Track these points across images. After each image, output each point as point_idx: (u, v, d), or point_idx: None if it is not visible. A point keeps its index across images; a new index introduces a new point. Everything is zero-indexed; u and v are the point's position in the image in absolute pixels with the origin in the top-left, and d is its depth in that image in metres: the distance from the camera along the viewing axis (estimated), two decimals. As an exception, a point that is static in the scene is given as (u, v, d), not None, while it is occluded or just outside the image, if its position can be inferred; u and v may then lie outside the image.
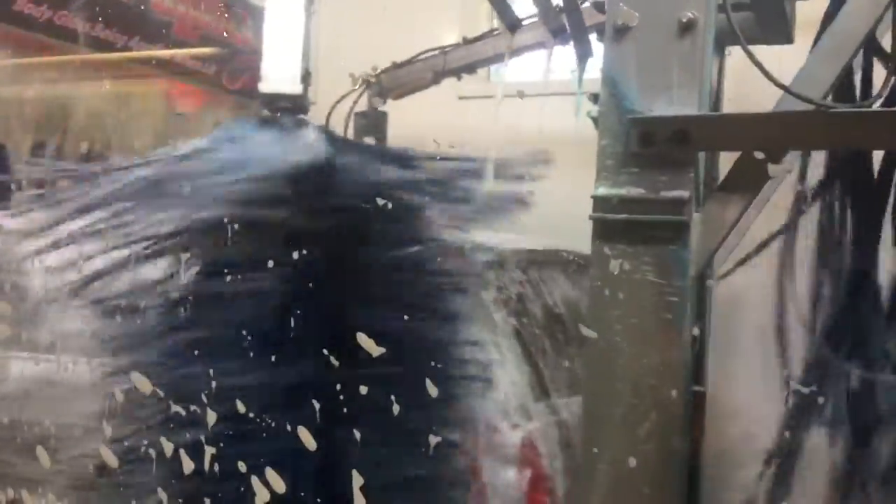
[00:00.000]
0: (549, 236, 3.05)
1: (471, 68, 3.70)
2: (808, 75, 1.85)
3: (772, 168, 1.69)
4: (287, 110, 2.28)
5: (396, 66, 3.69)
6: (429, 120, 4.55)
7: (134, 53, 3.66)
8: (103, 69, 3.61)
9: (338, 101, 3.65)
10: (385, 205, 2.01)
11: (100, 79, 3.63)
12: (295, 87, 2.35)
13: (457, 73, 3.69)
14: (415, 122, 4.39)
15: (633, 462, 1.75)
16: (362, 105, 3.77)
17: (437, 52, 3.63)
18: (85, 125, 3.58)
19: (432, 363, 2.07)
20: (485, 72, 4.88)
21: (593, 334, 1.80)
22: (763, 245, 2.54)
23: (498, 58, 3.68)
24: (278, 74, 2.30)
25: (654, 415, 1.77)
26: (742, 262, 2.55)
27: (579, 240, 2.20)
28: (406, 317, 2.06)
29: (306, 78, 2.39)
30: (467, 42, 3.61)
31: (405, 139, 4.10)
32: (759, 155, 1.70)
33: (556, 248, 3.16)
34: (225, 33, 4.18)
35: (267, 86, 2.31)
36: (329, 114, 3.56)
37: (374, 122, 3.73)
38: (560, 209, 2.56)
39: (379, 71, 3.69)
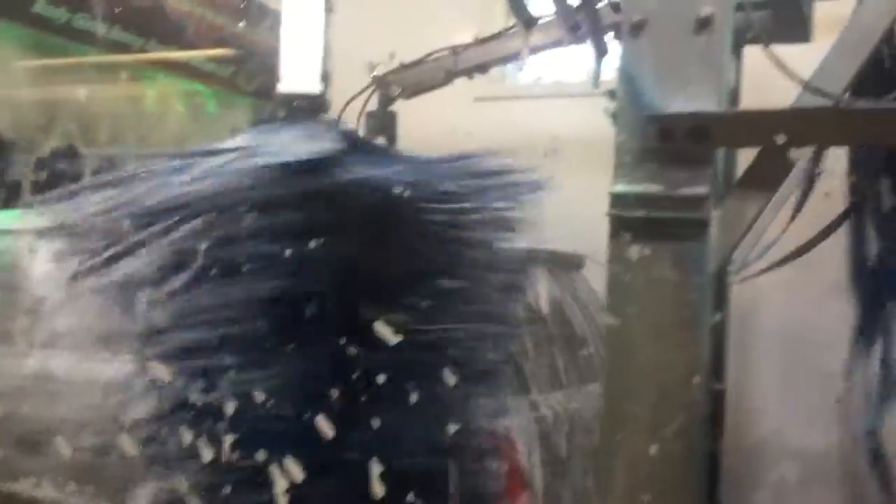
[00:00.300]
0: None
1: (483, 68, 3.68)
2: (827, 71, 1.83)
3: (794, 152, 1.66)
4: (306, 110, 2.32)
5: (406, 66, 3.68)
6: (444, 121, 4.58)
7: (151, 55, 3.69)
8: (120, 71, 3.64)
9: (349, 102, 3.65)
10: (401, 193, 2.01)
11: (117, 80, 3.65)
12: (314, 87, 2.38)
13: (469, 73, 3.67)
14: (429, 122, 4.43)
15: (653, 458, 1.73)
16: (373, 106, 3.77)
17: (448, 51, 3.62)
18: (102, 126, 3.62)
19: (450, 352, 2.08)
20: (500, 73, 4.88)
21: (616, 321, 1.78)
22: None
23: (511, 57, 3.67)
24: (297, 74, 2.34)
25: (674, 413, 1.76)
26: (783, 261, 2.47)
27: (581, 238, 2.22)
28: (424, 304, 2.07)
29: (325, 77, 2.41)
30: (479, 42, 3.59)
31: (419, 140, 4.13)
32: (781, 139, 1.67)
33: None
34: (240, 35, 4.20)
35: (286, 86, 2.35)
36: (340, 114, 3.57)
37: (383, 122, 3.72)
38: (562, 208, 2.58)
39: (396, 65, 3.66)
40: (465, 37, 3.62)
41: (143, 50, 3.68)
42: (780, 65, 1.75)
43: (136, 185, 2.12)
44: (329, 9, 2.40)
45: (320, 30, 2.37)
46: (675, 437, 1.75)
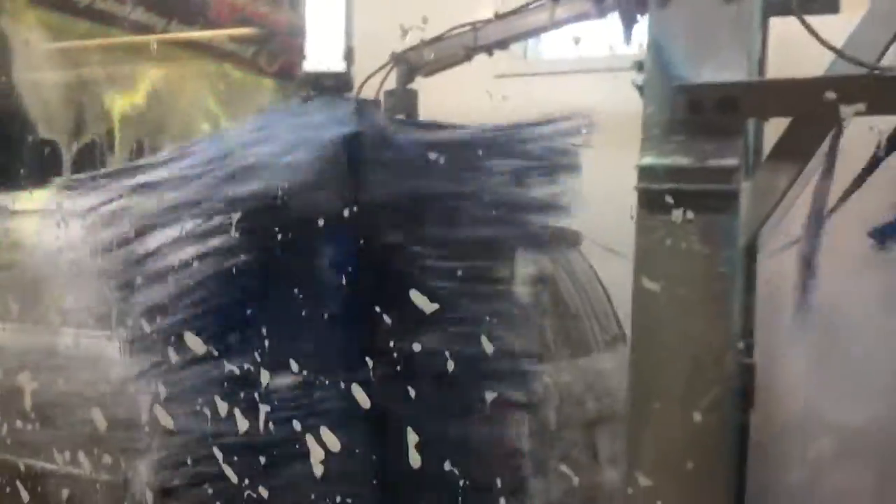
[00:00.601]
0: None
1: (503, 44, 3.61)
2: (860, 38, 1.80)
3: (843, 109, 1.62)
4: (332, 88, 2.35)
5: (426, 43, 3.64)
6: (464, 99, 4.55)
7: (172, 36, 3.69)
8: (143, 52, 3.65)
9: (367, 79, 3.62)
10: (437, 160, 2.03)
11: (140, 62, 3.66)
12: (338, 65, 2.38)
13: (489, 49, 3.62)
14: (450, 101, 4.40)
15: (684, 430, 1.73)
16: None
17: (468, 27, 3.57)
18: (127, 111, 3.64)
19: (487, 319, 2.08)
20: (521, 49, 4.83)
21: (656, 286, 1.76)
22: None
23: (532, 32, 3.62)
24: (321, 53, 2.37)
25: (705, 386, 1.75)
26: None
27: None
28: (460, 272, 2.07)
29: (349, 55, 2.42)
30: (500, 17, 3.54)
31: (439, 117, 4.10)
32: (831, 95, 1.64)
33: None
34: (262, 15, 4.19)
35: (311, 64, 2.39)
36: (358, 91, 3.54)
37: (403, 100, 3.68)
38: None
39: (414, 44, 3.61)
40: (486, 12, 3.58)
41: (165, 31, 3.68)
42: (813, 33, 1.72)
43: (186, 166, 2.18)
44: None
45: (343, 9, 2.40)
46: (706, 411, 1.74)
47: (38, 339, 2.85)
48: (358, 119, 2.11)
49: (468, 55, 3.57)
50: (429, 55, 3.65)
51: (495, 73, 4.53)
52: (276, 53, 4.32)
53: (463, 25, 3.56)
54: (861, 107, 1.58)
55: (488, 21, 3.55)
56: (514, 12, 3.51)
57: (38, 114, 3.45)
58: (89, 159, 3.54)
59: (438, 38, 3.60)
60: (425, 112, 3.72)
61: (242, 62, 4.19)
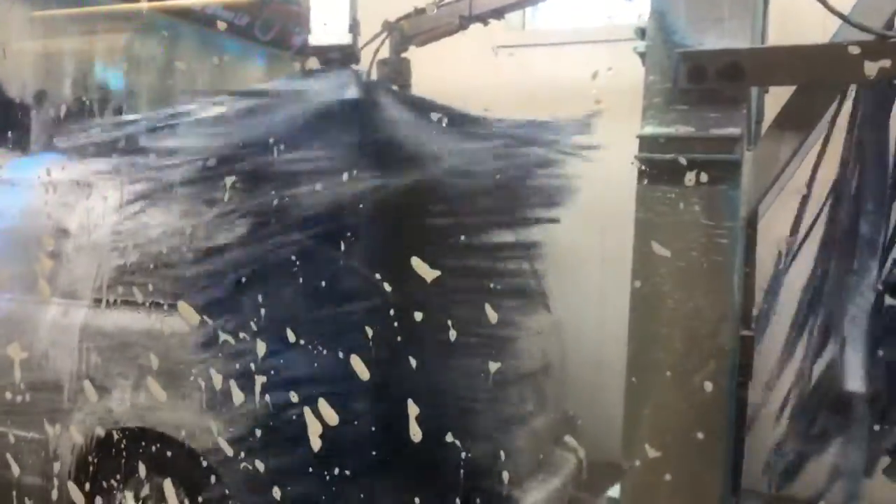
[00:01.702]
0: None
1: (499, 13, 3.54)
2: (867, 4, 1.76)
3: (868, 66, 1.58)
4: (337, 61, 2.43)
5: (419, 11, 3.56)
6: (462, 70, 4.50)
7: (166, 3, 3.63)
8: (134, 19, 3.59)
9: (362, 47, 3.57)
10: (440, 120, 2.03)
11: (131, 29, 3.61)
12: (344, 38, 2.43)
13: (484, 18, 3.55)
14: (448, 71, 4.35)
15: (683, 402, 1.72)
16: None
17: None
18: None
19: (490, 286, 2.07)
20: (520, 21, 4.78)
21: (667, 252, 1.73)
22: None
23: (529, 2, 3.56)
24: (326, 26, 2.42)
25: (702, 359, 1.74)
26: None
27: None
28: (462, 238, 2.06)
29: (354, 27, 2.47)
30: None
31: (436, 92, 4.06)
32: (855, 49, 1.58)
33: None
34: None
35: (316, 38, 2.45)
36: (370, 66, 3.48)
37: (396, 68, 3.61)
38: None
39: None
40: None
41: (158, -2, 3.63)
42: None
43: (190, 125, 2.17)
44: None
45: None
46: (702, 384, 1.73)
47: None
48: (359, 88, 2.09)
49: (463, 24, 3.50)
50: (423, 24, 3.58)
51: (493, 44, 4.50)
52: (270, 22, 4.25)
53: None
54: (887, 62, 1.53)
55: None
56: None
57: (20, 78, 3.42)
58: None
59: (433, 6, 3.53)
60: (423, 82, 3.67)
61: (237, 30, 4.13)
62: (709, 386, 1.69)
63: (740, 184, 1.74)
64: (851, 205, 1.93)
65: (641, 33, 1.87)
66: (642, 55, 1.84)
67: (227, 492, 2.27)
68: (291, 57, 4.48)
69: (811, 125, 1.83)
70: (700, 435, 1.69)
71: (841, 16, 1.68)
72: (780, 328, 2.24)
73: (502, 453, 2.23)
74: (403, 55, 3.63)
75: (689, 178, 1.73)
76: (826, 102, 1.85)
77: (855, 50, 1.58)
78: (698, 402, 1.71)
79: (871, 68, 1.58)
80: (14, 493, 2.56)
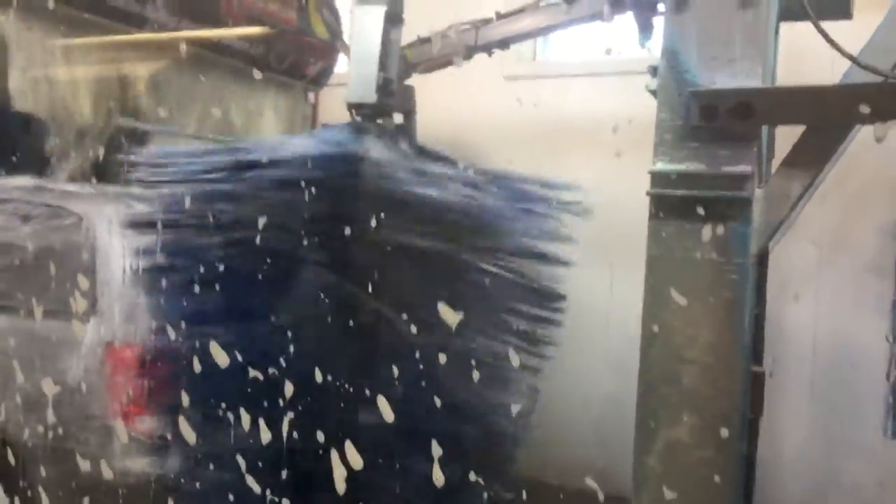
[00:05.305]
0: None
1: (504, 44, 3.56)
2: (876, 46, 1.79)
3: (878, 129, 1.60)
4: (368, 116, 2.75)
5: (423, 40, 3.57)
6: (473, 100, 4.54)
7: (183, 34, 3.68)
8: (154, 49, 3.64)
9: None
10: (466, 168, 2.12)
11: (150, 59, 3.66)
12: (369, 98, 2.74)
13: (489, 49, 3.56)
14: (457, 101, 4.38)
15: (690, 440, 1.71)
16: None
17: (468, 26, 3.50)
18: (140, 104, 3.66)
19: (511, 331, 2.10)
20: (530, 51, 4.82)
21: (683, 300, 1.75)
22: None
23: (537, 32, 3.58)
24: (358, 84, 2.75)
25: (713, 395, 1.74)
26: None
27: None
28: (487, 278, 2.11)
29: (384, 87, 2.74)
30: (501, 17, 3.48)
31: (446, 122, 4.08)
32: (865, 109, 1.61)
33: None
34: (271, 14, 4.17)
35: (347, 95, 2.77)
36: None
37: (400, 95, 3.60)
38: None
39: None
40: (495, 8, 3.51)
41: (177, 28, 3.68)
42: (830, 40, 1.71)
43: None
44: (397, 20, 2.85)
45: (377, 47, 2.78)
46: (712, 421, 1.73)
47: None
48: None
49: (468, 53, 3.51)
50: (427, 52, 3.58)
51: (504, 74, 4.53)
52: (284, 52, 4.31)
53: (464, 23, 3.50)
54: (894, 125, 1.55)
55: (488, 20, 3.49)
56: (516, 12, 3.45)
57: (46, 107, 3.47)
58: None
59: (438, 35, 3.53)
60: (432, 111, 3.68)
61: (252, 60, 4.18)
62: (716, 422, 1.69)
63: (751, 221, 1.76)
64: None
65: (653, 71, 1.89)
66: (654, 92, 1.86)
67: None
68: (305, 86, 4.56)
69: (822, 163, 1.85)
70: (714, 472, 1.69)
71: (851, 57, 1.70)
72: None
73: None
74: (407, 83, 3.63)
75: (700, 214, 1.74)
76: (837, 140, 1.87)
77: (865, 109, 1.61)
78: (704, 440, 1.71)
79: (880, 130, 1.61)
80: None
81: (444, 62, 3.55)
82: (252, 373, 2.03)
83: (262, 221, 2.15)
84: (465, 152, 3.27)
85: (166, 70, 3.77)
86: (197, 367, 2.11)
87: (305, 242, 2.13)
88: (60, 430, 2.49)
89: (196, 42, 3.80)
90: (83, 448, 2.45)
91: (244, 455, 2.03)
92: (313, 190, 2.15)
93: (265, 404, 2.01)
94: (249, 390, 2.04)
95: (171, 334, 2.24)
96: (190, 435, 2.07)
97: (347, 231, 2.13)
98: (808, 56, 1.95)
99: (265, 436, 1.98)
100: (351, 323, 2.08)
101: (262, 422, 1.99)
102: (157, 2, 3.61)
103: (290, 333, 2.07)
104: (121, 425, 2.38)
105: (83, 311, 2.53)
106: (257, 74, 3.97)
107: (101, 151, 3.44)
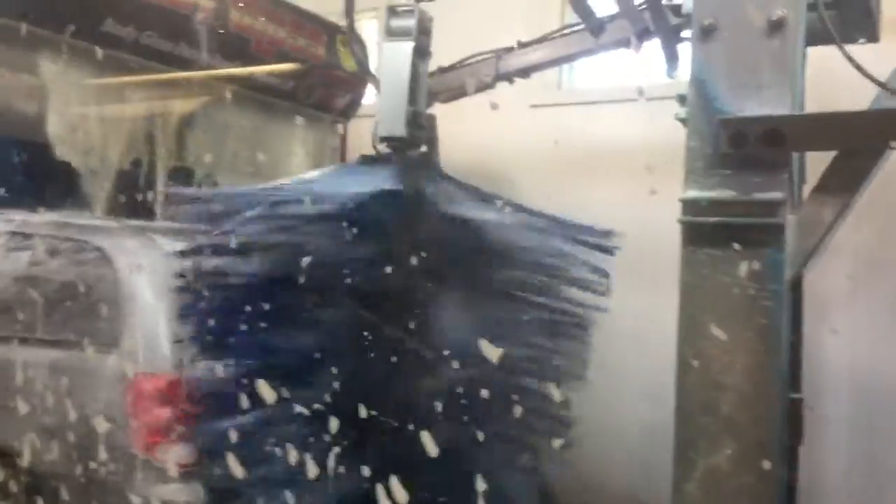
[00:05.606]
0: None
1: (525, 73, 3.58)
2: (906, 71, 1.79)
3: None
4: (397, 149, 2.82)
5: (444, 69, 3.60)
6: (497, 129, 4.56)
7: (216, 72, 3.76)
8: (187, 88, 3.73)
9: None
10: (502, 206, 2.17)
11: (183, 97, 3.75)
12: (398, 131, 2.76)
13: (510, 77, 3.58)
14: (483, 129, 4.40)
15: (730, 468, 1.70)
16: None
17: (490, 55, 3.53)
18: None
19: (554, 366, 2.13)
20: (555, 79, 4.84)
21: (718, 328, 1.74)
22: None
23: (559, 61, 3.60)
24: (388, 118, 2.77)
25: (751, 423, 1.73)
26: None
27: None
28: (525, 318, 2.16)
29: (413, 120, 2.79)
30: (522, 45, 3.50)
31: (471, 148, 4.10)
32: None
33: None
34: (300, 49, 4.26)
35: (378, 129, 2.81)
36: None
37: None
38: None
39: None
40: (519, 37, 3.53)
41: (208, 66, 3.76)
42: (858, 66, 1.71)
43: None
44: (425, 54, 2.86)
45: (406, 82, 2.79)
46: (750, 448, 1.72)
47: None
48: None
49: (490, 82, 3.53)
50: (448, 81, 3.60)
51: (530, 102, 4.56)
52: (313, 86, 4.38)
53: (486, 53, 3.53)
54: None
55: (510, 49, 3.51)
56: (539, 40, 3.46)
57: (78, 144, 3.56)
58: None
59: (460, 64, 3.56)
60: (456, 138, 3.70)
61: (281, 94, 4.26)
62: (754, 450, 1.68)
63: (784, 247, 1.75)
64: None
65: (682, 99, 1.90)
66: (683, 121, 1.87)
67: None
68: (334, 118, 4.63)
69: (854, 188, 1.84)
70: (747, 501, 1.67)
71: (879, 83, 1.71)
72: None
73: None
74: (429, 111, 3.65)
75: (733, 241, 1.74)
76: (869, 165, 1.87)
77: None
78: (744, 467, 1.69)
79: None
80: None
81: (464, 91, 3.58)
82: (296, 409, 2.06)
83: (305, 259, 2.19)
84: (489, 181, 3.30)
85: (199, 107, 3.84)
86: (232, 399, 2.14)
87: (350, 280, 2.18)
88: (88, 462, 2.53)
89: (228, 79, 3.88)
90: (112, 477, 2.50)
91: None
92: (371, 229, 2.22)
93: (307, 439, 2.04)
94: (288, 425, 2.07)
95: (206, 365, 2.27)
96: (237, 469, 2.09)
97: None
98: (836, 77, 1.95)
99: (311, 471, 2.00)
100: (394, 359, 2.10)
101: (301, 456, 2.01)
102: (190, 41, 3.69)
103: (329, 368, 2.09)
104: (146, 455, 2.42)
105: (107, 343, 2.61)
106: (288, 109, 4.04)
107: (137, 188, 3.52)
